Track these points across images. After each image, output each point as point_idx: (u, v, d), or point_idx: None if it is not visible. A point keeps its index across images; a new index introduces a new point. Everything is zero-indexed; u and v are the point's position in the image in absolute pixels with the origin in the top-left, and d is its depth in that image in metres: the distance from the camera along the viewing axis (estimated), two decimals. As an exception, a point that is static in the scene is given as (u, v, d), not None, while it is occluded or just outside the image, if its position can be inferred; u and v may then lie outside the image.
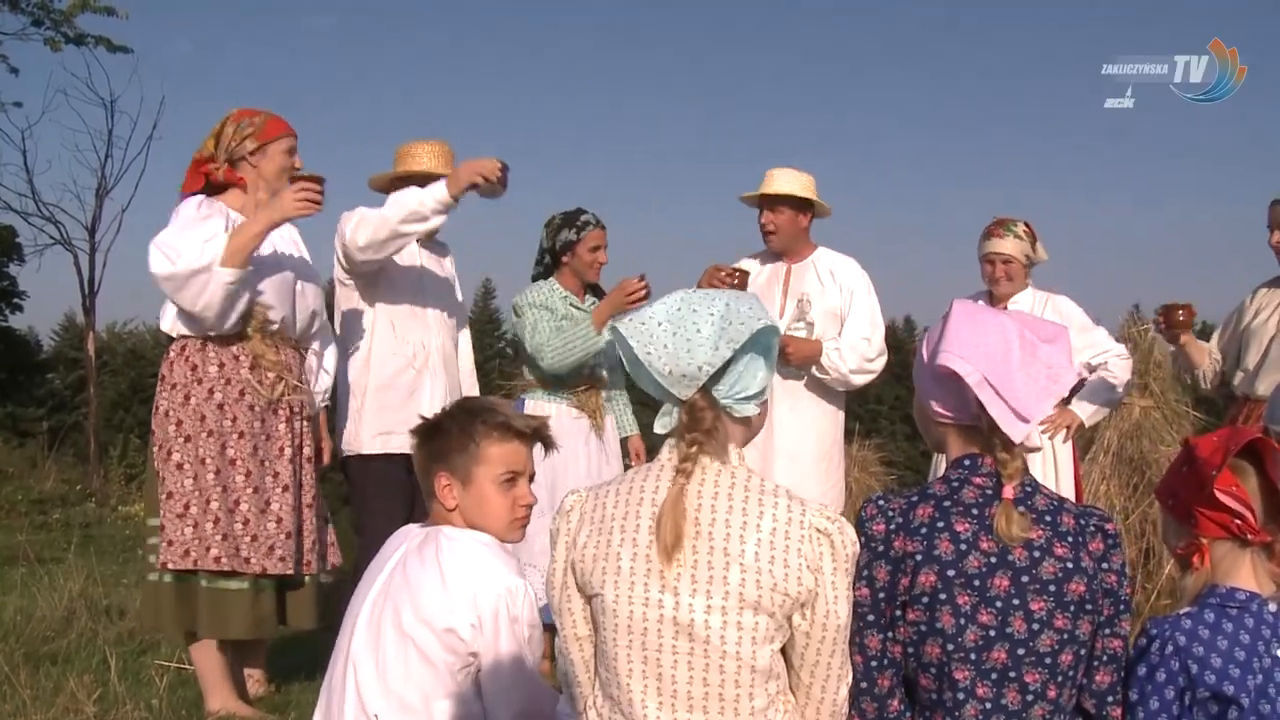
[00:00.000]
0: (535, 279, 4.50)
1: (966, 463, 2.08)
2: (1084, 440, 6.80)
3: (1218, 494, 2.05)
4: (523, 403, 4.37)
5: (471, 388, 4.50)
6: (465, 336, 4.52)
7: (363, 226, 3.83)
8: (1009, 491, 2.00)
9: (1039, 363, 2.01)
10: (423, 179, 3.99)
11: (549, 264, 4.45)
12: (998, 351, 2.00)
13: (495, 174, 3.69)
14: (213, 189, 3.67)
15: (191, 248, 3.41)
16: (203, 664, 3.62)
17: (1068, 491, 4.32)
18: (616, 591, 1.98)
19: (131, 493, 11.84)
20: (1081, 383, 4.43)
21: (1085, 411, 4.38)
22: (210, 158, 3.65)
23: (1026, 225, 4.42)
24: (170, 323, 3.65)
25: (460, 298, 4.51)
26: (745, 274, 4.21)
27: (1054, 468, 4.29)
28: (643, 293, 4.12)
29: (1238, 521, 2.05)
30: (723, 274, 4.14)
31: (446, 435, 2.37)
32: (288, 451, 3.69)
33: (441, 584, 2.23)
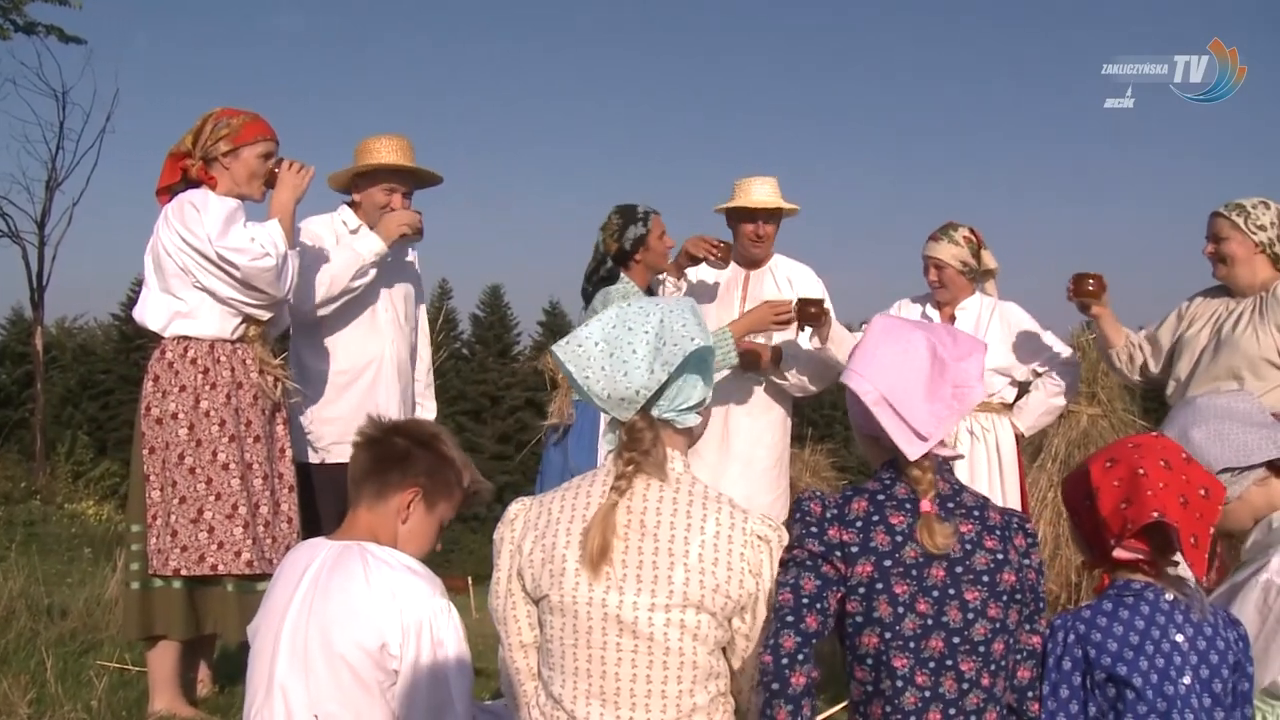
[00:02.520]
0: (599, 285, 4.23)
1: (894, 466, 2.12)
2: (1032, 448, 6.88)
3: (1116, 555, 2.12)
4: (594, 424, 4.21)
5: (427, 388, 4.41)
6: (424, 336, 4.44)
7: (311, 289, 3.81)
8: (926, 505, 2.03)
9: (947, 383, 2.05)
10: (384, 173, 4.03)
11: (612, 267, 4.21)
12: (906, 370, 2.06)
13: (418, 224, 4.04)
14: (189, 184, 3.63)
15: (270, 236, 3.50)
16: (157, 665, 3.57)
17: (1013, 499, 4.33)
18: (562, 591, 2.01)
19: (78, 490, 11.67)
20: (1027, 388, 4.44)
21: (1027, 420, 4.39)
22: (187, 153, 3.62)
23: (971, 232, 4.32)
24: (164, 321, 3.55)
25: (422, 291, 4.43)
26: (729, 246, 4.22)
27: (1000, 476, 4.30)
28: (788, 315, 4.05)
29: (1140, 559, 2.12)
30: (708, 243, 4.13)
31: (439, 459, 2.42)
32: (289, 452, 3.73)
33: (372, 603, 2.22)
